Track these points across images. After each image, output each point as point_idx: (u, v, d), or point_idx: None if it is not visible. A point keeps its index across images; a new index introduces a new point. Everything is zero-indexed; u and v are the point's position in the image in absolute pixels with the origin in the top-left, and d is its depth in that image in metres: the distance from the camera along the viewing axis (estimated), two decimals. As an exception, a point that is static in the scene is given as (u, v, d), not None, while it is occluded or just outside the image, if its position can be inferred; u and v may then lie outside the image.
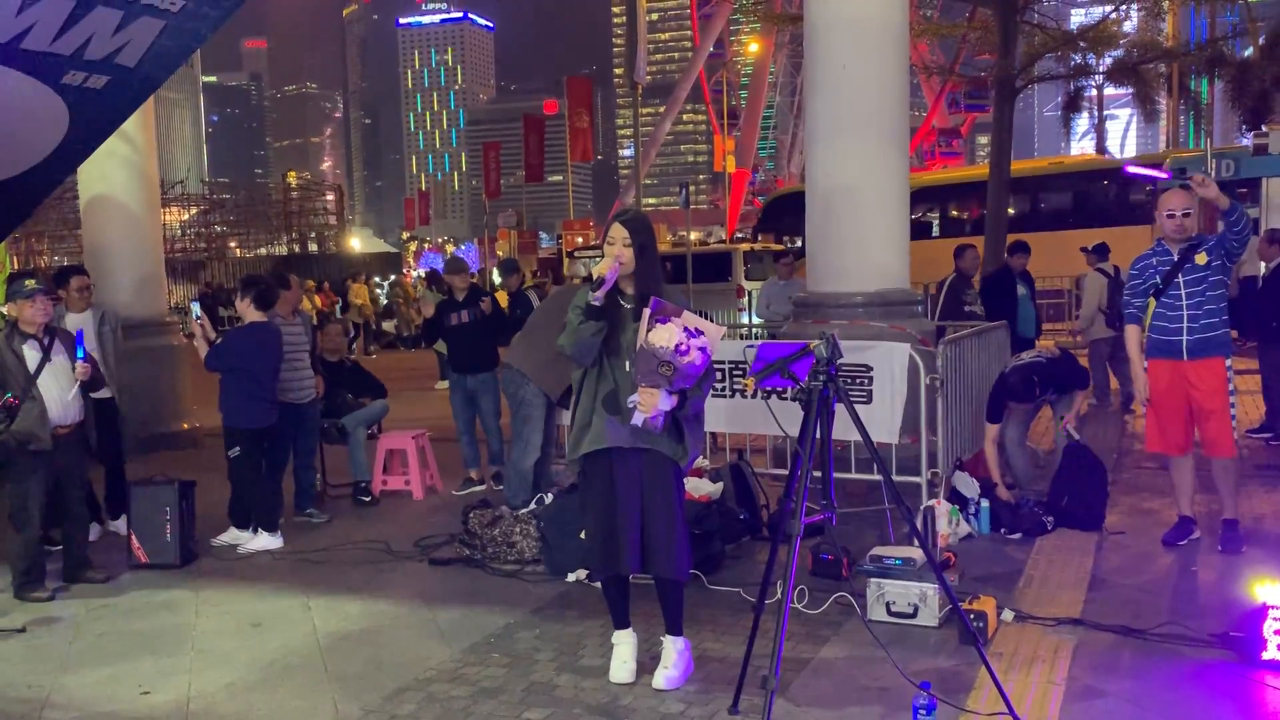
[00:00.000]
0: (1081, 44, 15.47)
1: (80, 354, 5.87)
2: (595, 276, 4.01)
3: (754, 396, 6.39)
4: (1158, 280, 5.68)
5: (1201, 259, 5.59)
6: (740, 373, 6.69)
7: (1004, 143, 12.91)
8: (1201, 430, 5.74)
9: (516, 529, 5.97)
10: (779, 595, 5.03)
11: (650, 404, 3.93)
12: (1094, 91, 31.24)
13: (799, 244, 16.81)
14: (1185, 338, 5.61)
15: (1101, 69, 18.94)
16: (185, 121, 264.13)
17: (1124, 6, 17.55)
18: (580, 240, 45.90)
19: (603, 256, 4.09)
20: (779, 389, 5.74)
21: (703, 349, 3.91)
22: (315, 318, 22.74)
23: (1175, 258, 5.66)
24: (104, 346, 7.01)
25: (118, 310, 8.19)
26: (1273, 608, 4.12)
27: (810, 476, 3.61)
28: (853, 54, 7.36)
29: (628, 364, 4.05)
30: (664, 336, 3.88)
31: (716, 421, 6.97)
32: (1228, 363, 5.68)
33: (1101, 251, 10.69)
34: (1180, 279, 5.60)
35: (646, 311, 3.95)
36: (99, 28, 6.18)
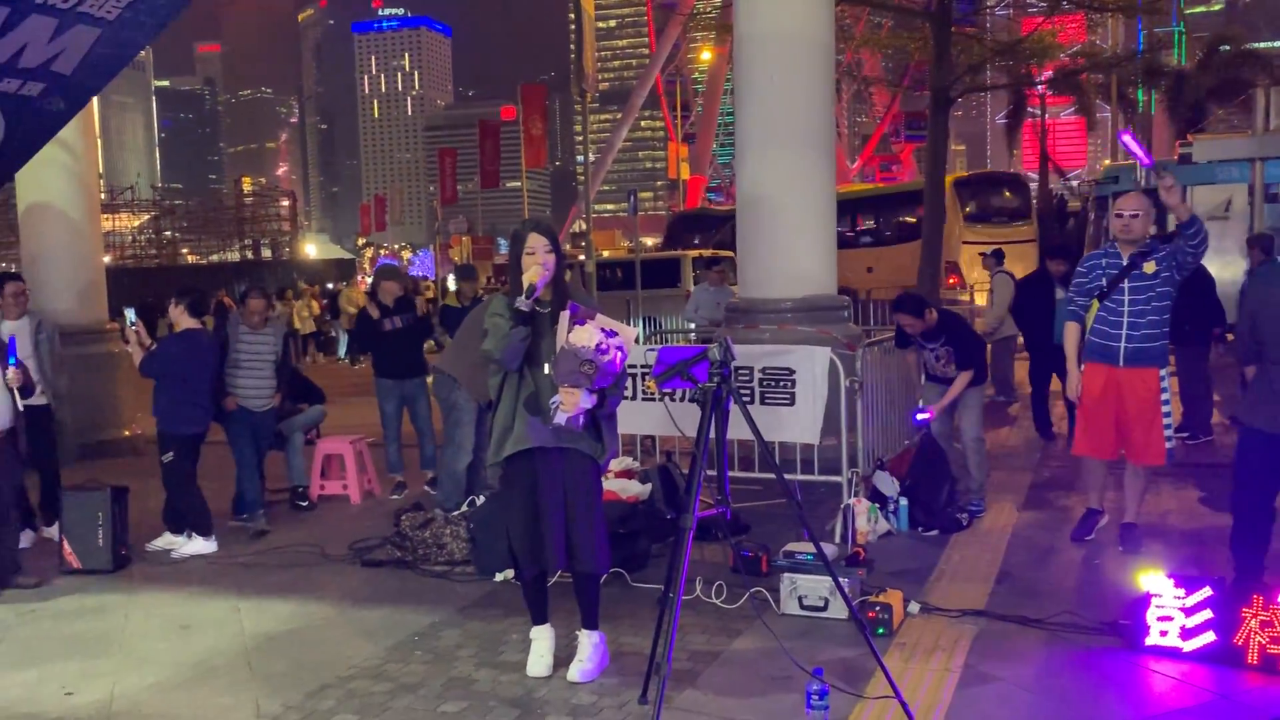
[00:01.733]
0: (1028, 54, 15.84)
1: (12, 360, 5.91)
2: (527, 284, 4.15)
3: (659, 399, 6.58)
4: (1103, 283, 5.72)
5: (1150, 268, 5.62)
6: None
7: (939, 151, 13.22)
8: (1130, 437, 5.81)
9: (447, 531, 6.09)
10: (697, 591, 5.24)
11: (572, 403, 4.09)
12: (1037, 101, 32.00)
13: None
14: (1123, 345, 5.66)
15: (1042, 79, 19.41)
16: (137, 126, 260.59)
17: (1061, 19, 17.95)
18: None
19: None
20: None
21: (620, 348, 4.09)
22: (314, 324, 22.42)
23: (1124, 262, 5.69)
24: (40, 353, 7.03)
25: (56, 317, 8.20)
26: (1155, 596, 4.35)
27: (704, 474, 3.78)
28: (778, 66, 7.58)
29: (546, 367, 4.20)
30: (585, 337, 4.04)
31: (649, 424, 7.13)
32: (1162, 373, 5.75)
33: (999, 256, 11.21)
34: (1125, 285, 5.64)
35: (565, 314, 4.11)
36: (33, 35, 6.22)
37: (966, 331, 6.95)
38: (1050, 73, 20.74)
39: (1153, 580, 4.38)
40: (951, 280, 19.07)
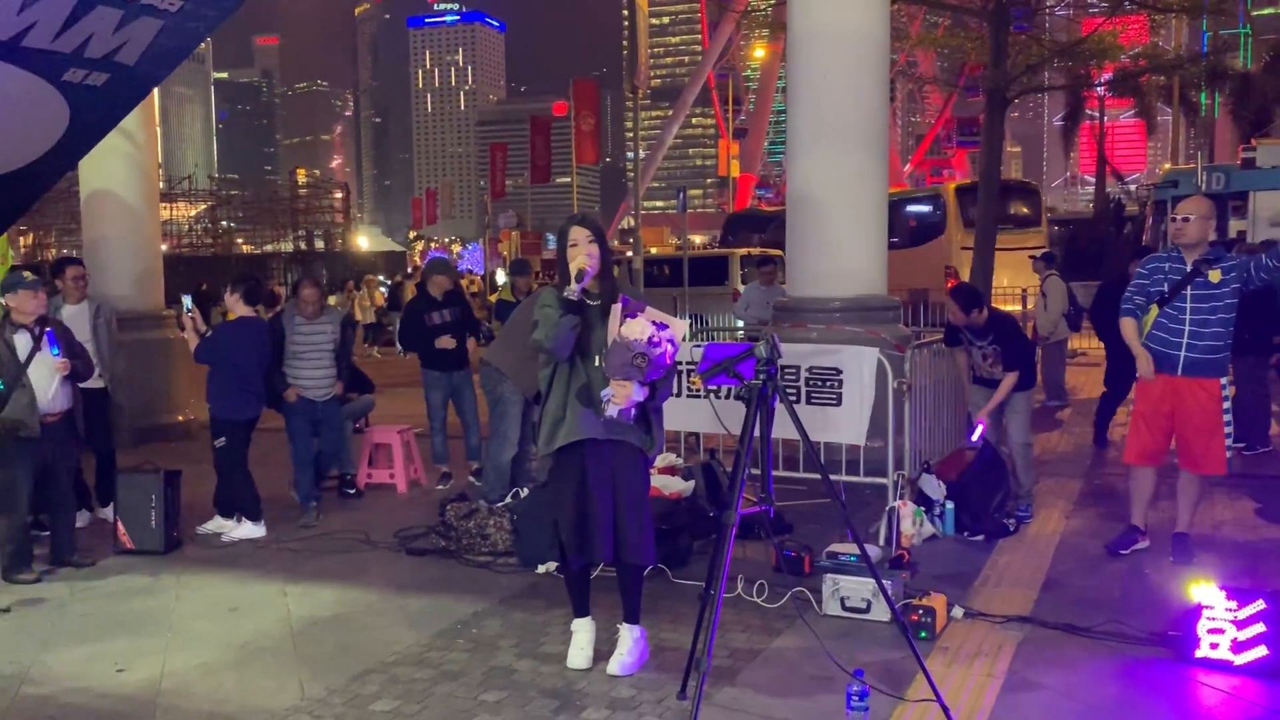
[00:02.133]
0: (1088, 55, 15.56)
1: (55, 350, 6.03)
2: (575, 271, 4.18)
3: (704, 395, 6.58)
4: (1164, 289, 5.57)
5: (1215, 276, 5.45)
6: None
7: (994, 152, 13.05)
8: (1188, 447, 5.69)
9: (491, 522, 6.14)
10: (739, 589, 5.23)
11: (624, 396, 4.10)
12: (1096, 103, 31.49)
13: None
14: (1183, 354, 5.51)
15: (1101, 81, 19.10)
16: (195, 117, 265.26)
17: (1123, 20, 17.62)
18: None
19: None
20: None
21: (671, 341, 4.11)
22: (374, 315, 22.66)
23: (1187, 268, 5.54)
24: (98, 337, 7.17)
25: (114, 303, 8.36)
26: (1206, 607, 4.27)
27: (748, 471, 3.77)
28: (832, 64, 7.53)
29: (597, 359, 4.21)
30: (637, 329, 4.06)
31: (694, 421, 7.11)
32: (1223, 383, 5.62)
33: (1050, 259, 11.14)
34: (1188, 292, 5.50)
35: (617, 307, 4.13)
36: (99, 26, 6.35)
37: (1015, 332, 6.86)
38: (1110, 74, 20.40)
39: (1204, 591, 4.30)
40: (950, 284, 18.98)
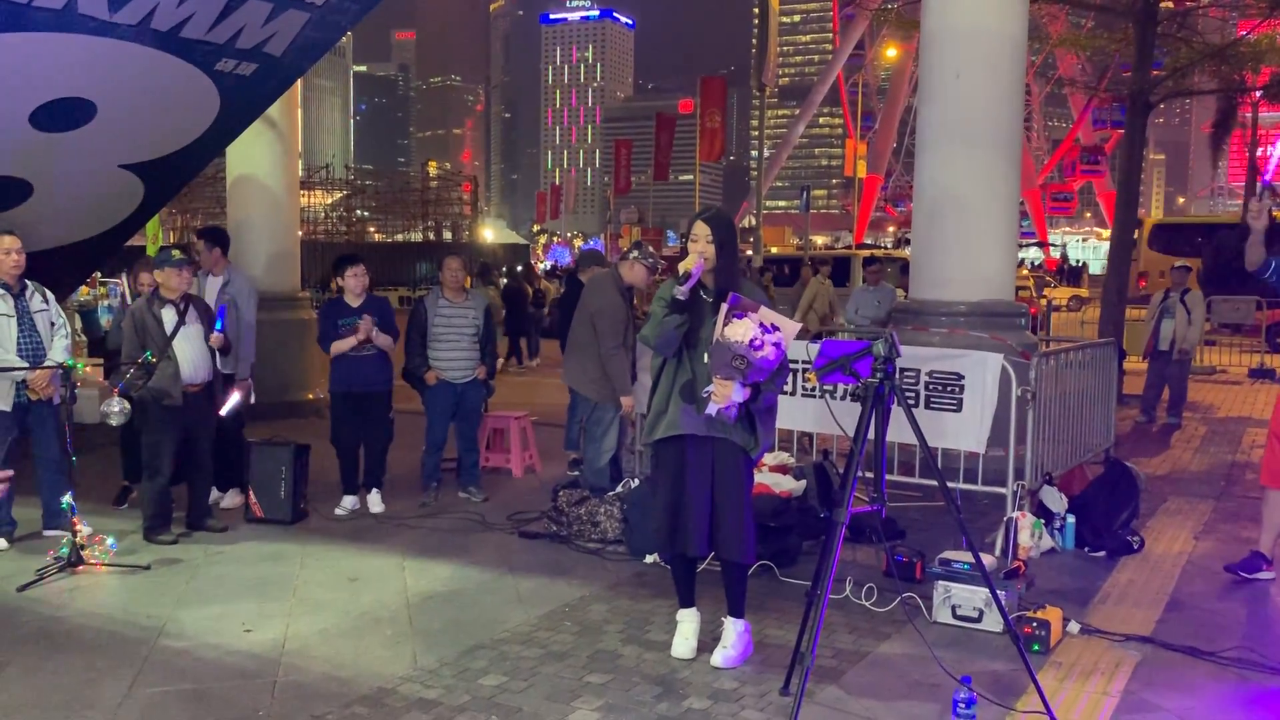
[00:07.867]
0: (1243, 58, 14.78)
1: (219, 326, 6.38)
2: (681, 272, 4.19)
3: (819, 395, 6.50)
4: None
5: None
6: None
7: (1135, 158, 12.54)
8: None
9: (601, 510, 6.22)
10: (847, 591, 5.19)
11: (724, 395, 4.10)
12: (1250, 109, 29.84)
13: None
14: None
15: (1257, 85, 18.09)
16: (335, 108, 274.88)
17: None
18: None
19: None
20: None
21: (777, 344, 4.06)
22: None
23: None
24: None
25: (253, 283, 8.69)
26: (1345, 639, 4.05)
27: (860, 472, 3.74)
28: (966, 63, 7.37)
29: (705, 355, 4.22)
30: (739, 331, 4.03)
31: (808, 421, 7.07)
32: None
33: (1187, 271, 10.91)
34: None
35: (724, 306, 4.12)
36: (250, 19, 6.69)
37: None
38: (1267, 78, 19.30)
39: (1343, 622, 4.08)
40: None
